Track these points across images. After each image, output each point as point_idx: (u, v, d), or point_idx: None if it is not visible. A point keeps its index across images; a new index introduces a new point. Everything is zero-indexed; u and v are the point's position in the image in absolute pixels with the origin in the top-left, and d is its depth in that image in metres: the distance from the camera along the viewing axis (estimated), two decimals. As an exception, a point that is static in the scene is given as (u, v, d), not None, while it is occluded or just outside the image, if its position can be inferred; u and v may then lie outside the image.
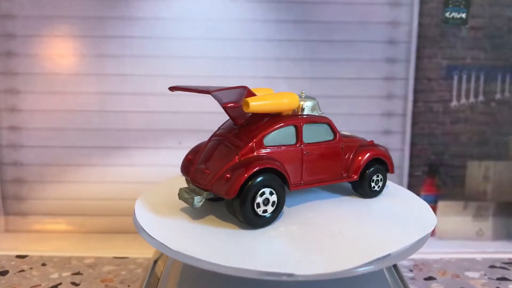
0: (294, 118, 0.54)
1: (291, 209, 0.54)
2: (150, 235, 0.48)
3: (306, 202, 0.56)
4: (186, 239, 0.47)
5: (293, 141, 0.53)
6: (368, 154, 0.58)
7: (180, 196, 0.51)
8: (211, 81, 0.82)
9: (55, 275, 0.75)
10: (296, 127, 0.53)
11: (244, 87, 0.53)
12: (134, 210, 0.54)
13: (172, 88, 0.55)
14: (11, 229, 0.86)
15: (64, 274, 0.75)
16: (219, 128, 0.56)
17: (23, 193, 0.85)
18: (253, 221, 0.49)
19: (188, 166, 0.53)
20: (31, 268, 0.77)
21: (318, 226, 0.50)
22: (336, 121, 0.59)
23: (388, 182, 0.63)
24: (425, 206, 0.56)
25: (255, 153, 0.50)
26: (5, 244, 0.84)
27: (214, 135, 0.55)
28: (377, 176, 0.59)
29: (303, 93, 0.57)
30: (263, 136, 0.51)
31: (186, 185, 0.55)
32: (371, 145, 0.61)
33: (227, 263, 0.42)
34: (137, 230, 0.50)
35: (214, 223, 0.51)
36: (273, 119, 0.53)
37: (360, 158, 0.58)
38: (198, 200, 0.49)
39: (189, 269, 0.56)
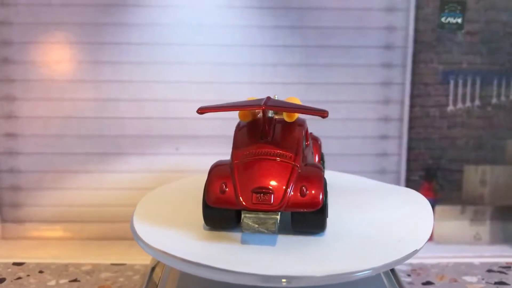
0: (303, 121, 0.54)
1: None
2: (147, 244, 0.47)
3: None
4: (183, 246, 0.47)
5: (305, 142, 0.54)
6: (319, 144, 0.62)
7: (249, 228, 0.46)
8: (209, 87, 0.82)
9: (53, 282, 0.75)
10: (306, 129, 0.55)
11: (269, 98, 0.52)
12: (132, 218, 0.54)
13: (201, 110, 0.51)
14: (7, 236, 0.86)
15: (62, 281, 0.75)
16: (238, 147, 0.51)
17: (20, 200, 0.85)
18: (326, 225, 0.49)
19: (230, 195, 0.47)
20: (28, 276, 0.77)
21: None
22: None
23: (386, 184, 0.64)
24: (423, 208, 0.57)
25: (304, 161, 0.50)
26: (1, 252, 0.84)
27: (243, 155, 0.50)
28: (322, 161, 0.63)
29: (275, 97, 0.57)
30: (302, 143, 0.51)
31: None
32: (313, 137, 0.63)
33: (223, 267, 0.42)
34: (135, 239, 0.50)
35: (209, 229, 0.51)
36: (292, 125, 0.53)
37: (316, 149, 0.62)
38: (278, 224, 0.46)
39: (187, 275, 0.56)
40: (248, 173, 0.48)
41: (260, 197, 0.46)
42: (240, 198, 0.46)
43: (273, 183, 0.47)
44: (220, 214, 0.49)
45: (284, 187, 0.47)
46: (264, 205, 0.46)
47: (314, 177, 0.48)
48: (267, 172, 0.48)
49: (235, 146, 0.51)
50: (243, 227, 0.46)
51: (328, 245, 0.47)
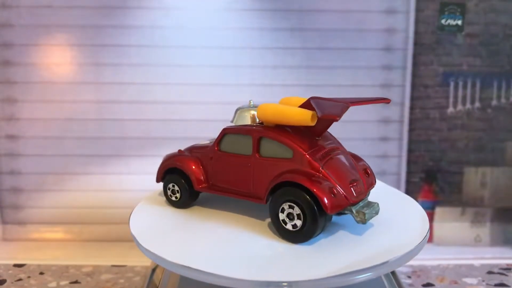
0: None
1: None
2: (145, 248, 0.48)
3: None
4: (182, 250, 0.47)
5: None
6: None
7: (370, 217, 0.48)
8: (209, 89, 0.82)
9: (53, 284, 0.75)
10: None
11: (312, 97, 0.53)
12: (129, 221, 0.54)
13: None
14: (9, 238, 0.86)
15: (62, 283, 0.75)
16: (310, 150, 0.50)
17: (21, 202, 0.85)
18: None
19: (340, 196, 0.48)
20: (29, 277, 0.77)
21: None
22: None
23: (384, 185, 0.64)
24: (420, 210, 0.57)
25: None
26: (3, 253, 0.84)
27: (319, 156, 0.50)
28: None
29: (251, 102, 0.56)
30: None
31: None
32: None
33: (224, 273, 0.42)
34: (134, 241, 0.50)
35: (208, 231, 0.51)
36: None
37: None
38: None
39: (188, 277, 0.56)
40: (337, 171, 0.49)
41: (355, 188, 0.49)
42: (349, 195, 0.48)
43: (355, 172, 0.51)
44: (329, 218, 0.49)
45: (360, 174, 0.51)
46: (361, 194, 0.50)
47: (361, 158, 0.54)
48: (347, 165, 0.51)
49: (304, 150, 0.49)
50: (366, 218, 0.48)
51: (328, 249, 0.47)
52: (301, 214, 0.47)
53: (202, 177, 0.56)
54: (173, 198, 0.57)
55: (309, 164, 0.49)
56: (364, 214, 0.48)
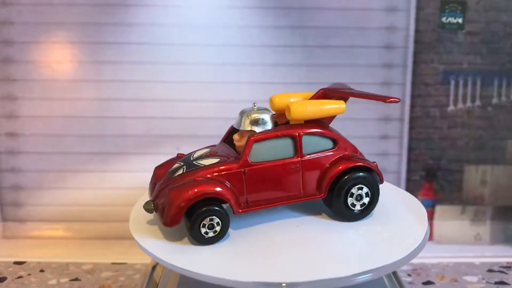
0: None
1: (285, 216, 0.54)
2: (145, 249, 0.48)
3: (298, 210, 0.56)
4: (182, 251, 0.47)
5: None
6: None
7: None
8: (209, 87, 0.82)
9: (53, 281, 0.75)
10: None
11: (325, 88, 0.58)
12: (130, 219, 0.54)
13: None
14: (9, 236, 0.86)
15: (62, 280, 0.75)
16: (333, 130, 0.57)
17: (21, 199, 0.85)
18: None
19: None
20: (29, 275, 0.77)
21: (314, 234, 0.50)
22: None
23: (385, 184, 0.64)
24: (421, 209, 0.57)
25: None
26: (3, 251, 0.84)
27: (349, 141, 0.57)
28: None
29: (255, 105, 0.55)
30: None
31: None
32: None
33: (223, 275, 0.42)
34: (134, 239, 0.50)
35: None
36: None
37: None
38: None
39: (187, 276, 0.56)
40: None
41: None
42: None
43: None
44: None
45: None
46: None
47: None
48: None
49: (341, 137, 0.56)
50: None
51: (329, 250, 0.47)
52: (369, 192, 0.53)
53: (239, 198, 0.51)
54: (211, 234, 0.49)
55: (350, 148, 0.55)
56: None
